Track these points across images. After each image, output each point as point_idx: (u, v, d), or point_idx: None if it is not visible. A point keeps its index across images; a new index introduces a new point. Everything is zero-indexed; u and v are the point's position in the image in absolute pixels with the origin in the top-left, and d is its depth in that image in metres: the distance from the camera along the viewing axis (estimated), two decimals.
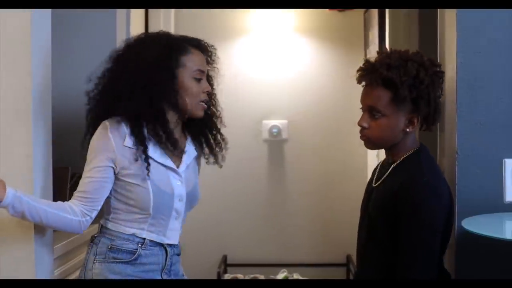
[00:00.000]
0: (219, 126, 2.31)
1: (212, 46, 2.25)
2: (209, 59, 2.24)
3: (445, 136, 2.46)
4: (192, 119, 2.21)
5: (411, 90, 2.08)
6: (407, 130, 2.13)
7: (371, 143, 2.19)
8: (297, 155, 4.70)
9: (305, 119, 4.67)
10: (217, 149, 2.31)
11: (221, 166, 2.34)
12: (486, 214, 2.26)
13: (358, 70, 2.19)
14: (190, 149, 2.25)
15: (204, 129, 2.28)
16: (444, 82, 2.27)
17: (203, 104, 2.19)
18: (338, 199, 4.62)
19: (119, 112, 2.10)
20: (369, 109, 2.14)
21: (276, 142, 4.68)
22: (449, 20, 2.41)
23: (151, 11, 4.26)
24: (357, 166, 4.53)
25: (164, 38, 2.16)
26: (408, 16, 3.55)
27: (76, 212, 2.06)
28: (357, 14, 4.61)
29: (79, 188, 2.10)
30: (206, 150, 2.31)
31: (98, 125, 2.12)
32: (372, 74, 2.12)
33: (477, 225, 2.11)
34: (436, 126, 2.23)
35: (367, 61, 2.18)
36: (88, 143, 2.14)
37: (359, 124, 2.16)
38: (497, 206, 2.30)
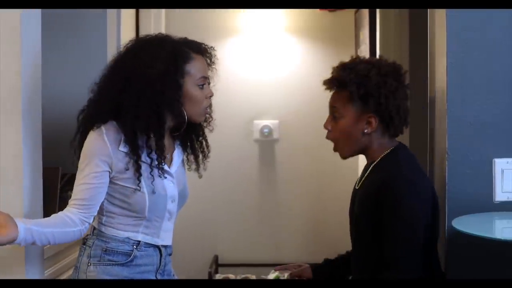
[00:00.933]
0: (206, 130, 2.29)
1: (211, 47, 2.24)
2: (209, 61, 2.22)
3: (435, 136, 2.46)
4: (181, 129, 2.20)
5: (358, 87, 2.14)
6: (366, 131, 2.16)
7: (338, 149, 2.26)
8: (288, 155, 4.70)
9: (296, 119, 4.67)
10: (200, 156, 2.30)
11: (200, 176, 2.32)
12: (476, 213, 2.27)
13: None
14: (178, 151, 2.25)
15: (191, 135, 2.27)
16: (434, 84, 2.29)
17: (207, 110, 2.19)
18: (330, 199, 4.62)
19: (123, 124, 2.06)
20: (332, 111, 2.25)
21: (267, 142, 4.68)
22: (439, 19, 2.41)
23: (142, 11, 4.25)
24: (349, 166, 4.50)
25: (167, 46, 2.11)
26: (398, 15, 3.55)
27: (75, 222, 2.04)
28: (348, 14, 4.61)
29: (75, 195, 2.07)
30: (190, 157, 2.30)
31: (90, 127, 2.09)
32: (330, 79, 2.25)
33: (468, 224, 2.11)
34: (403, 130, 2.25)
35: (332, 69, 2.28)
36: (78, 144, 2.12)
37: (324, 126, 2.26)
38: (487, 205, 2.31)
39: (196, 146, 2.29)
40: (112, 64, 2.14)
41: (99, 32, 3.07)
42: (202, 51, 2.19)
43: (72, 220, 2.04)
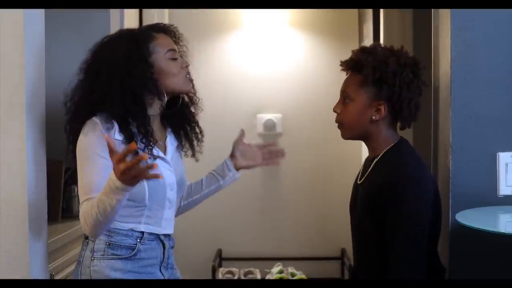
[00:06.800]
0: (196, 118, 2.31)
1: (172, 25, 2.26)
2: (174, 39, 2.24)
3: (439, 130, 2.46)
4: (171, 110, 2.21)
5: (374, 71, 2.13)
6: (374, 118, 2.15)
7: (342, 129, 2.25)
8: (291, 149, 4.68)
9: (300, 113, 4.67)
10: (195, 141, 2.31)
11: (197, 160, 2.34)
12: (480, 207, 2.27)
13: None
14: (171, 139, 2.26)
15: (183, 122, 2.28)
16: (438, 79, 2.28)
17: (189, 77, 2.20)
18: (333, 193, 4.62)
19: (109, 115, 2.08)
20: (342, 95, 2.23)
21: (270, 136, 4.68)
22: (443, 14, 2.41)
23: (145, 10, 4.23)
24: (352, 159, 4.54)
25: (126, 34, 2.17)
26: (402, 10, 3.55)
27: None
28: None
29: (88, 193, 2.01)
30: (185, 143, 2.31)
31: (78, 134, 2.09)
32: (347, 60, 2.23)
33: (471, 218, 2.11)
34: (411, 125, 2.24)
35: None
36: (73, 152, 2.11)
37: (333, 109, 2.25)
38: (491, 199, 2.31)
39: (189, 131, 2.30)
40: (83, 70, 2.16)
41: (102, 32, 3.07)
42: (164, 30, 2.22)
43: None
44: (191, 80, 2.22)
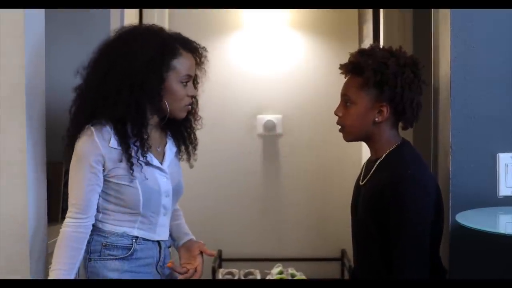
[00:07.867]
0: (193, 125, 2.30)
1: (203, 47, 2.22)
2: (198, 60, 2.21)
3: (439, 130, 2.46)
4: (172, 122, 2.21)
5: (375, 73, 2.12)
6: (376, 120, 2.15)
7: (344, 132, 2.24)
8: (292, 150, 4.70)
9: (300, 113, 4.67)
10: (190, 148, 2.31)
11: (192, 166, 2.33)
12: (480, 208, 2.27)
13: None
14: (170, 145, 2.26)
15: (181, 128, 2.28)
16: (438, 79, 2.28)
17: (187, 107, 2.19)
18: (333, 194, 4.62)
19: (104, 115, 2.08)
20: (343, 98, 2.22)
21: (270, 137, 4.68)
22: (443, 14, 2.41)
23: (145, 10, 4.23)
24: (352, 160, 4.53)
25: (157, 39, 2.12)
26: (402, 10, 3.55)
27: (86, 232, 2.09)
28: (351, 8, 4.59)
29: (74, 200, 2.09)
30: (182, 147, 2.31)
31: (82, 122, 2.10)
32: (346, 63, 2.22)
33: (471, 219, 2.11)
34: (413, 124, 2.23)
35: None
36: (70, 139, 2.12)
37: (334, 113, 2.24)
38: (491, 200, 2.31)
39: (186, 137, 2.30)
40: (100, 50, 2.14)
41: (103, 32, 3.08)
42: (192, 49, 2.18)
43: (80, 232, 2.08)
44: (188, 110, 2.20)
